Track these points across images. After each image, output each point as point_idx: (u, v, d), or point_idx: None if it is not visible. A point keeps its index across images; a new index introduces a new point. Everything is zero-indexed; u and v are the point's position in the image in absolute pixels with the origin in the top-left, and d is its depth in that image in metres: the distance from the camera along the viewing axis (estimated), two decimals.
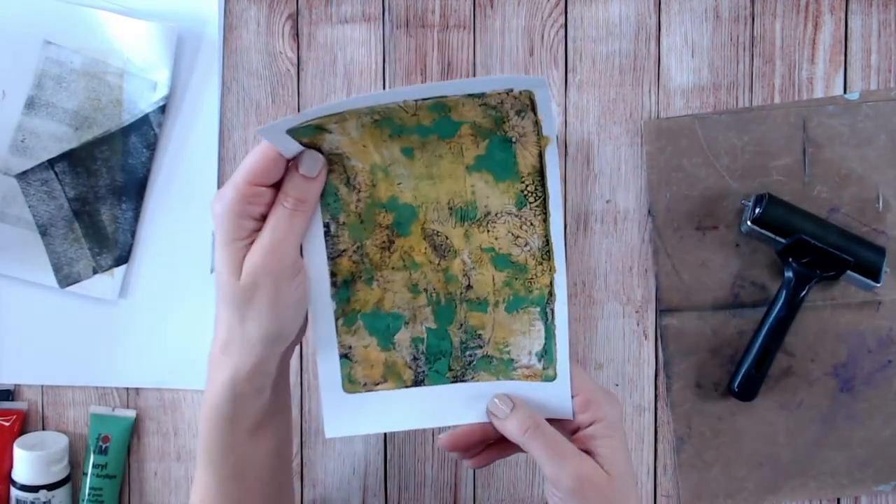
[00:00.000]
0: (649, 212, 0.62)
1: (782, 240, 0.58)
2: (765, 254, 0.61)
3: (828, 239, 0.58)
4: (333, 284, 0.47)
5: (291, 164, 0.45)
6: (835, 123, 0.61)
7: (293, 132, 0.43)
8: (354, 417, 0.48)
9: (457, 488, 0.64)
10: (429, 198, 0.47)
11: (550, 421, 0.48)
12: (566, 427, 0.48)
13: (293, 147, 0.44)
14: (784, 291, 0.59)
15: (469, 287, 0.48)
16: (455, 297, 0.48)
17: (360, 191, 0.46)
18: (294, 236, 0.44)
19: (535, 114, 0.44)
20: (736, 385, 0.60)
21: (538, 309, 0.48)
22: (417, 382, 0.49)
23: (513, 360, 0.49)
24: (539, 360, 0.48)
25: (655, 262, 0.62)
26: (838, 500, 0.63)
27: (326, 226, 0.46)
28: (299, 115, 0.43)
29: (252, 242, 0.44)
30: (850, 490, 0.62)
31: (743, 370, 0.59)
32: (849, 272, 0.58)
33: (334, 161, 0.45)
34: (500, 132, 0.45)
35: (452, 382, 0.49)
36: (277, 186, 0.45)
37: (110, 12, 0.61)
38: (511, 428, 0.47)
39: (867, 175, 0.61)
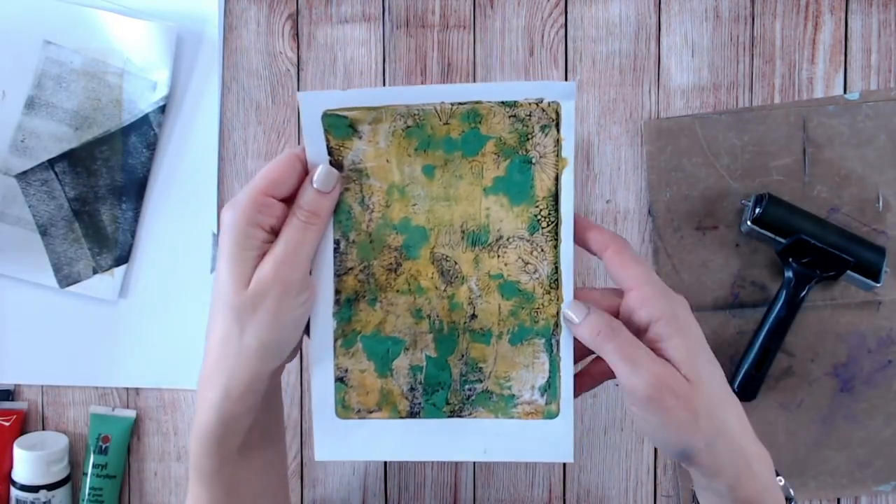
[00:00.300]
0: (649, 212, 0.62)
1: (782, 240, 0.58)
2: (765, 254, 0.61)
3: (828, 239, 0.58)
4: (336, 302, 0.47)
5: (307, 178, 0.45)
6: (835, 123, 0.61)
7: (328, 122, 0.45)
8: (345, 443, 0.48)
9: (457, 488, 0.64)
10: (442, 220, 0.47)
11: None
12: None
13: (319, 146, 0.45)
14: (784, 291, 0.59)
15: (473, 316, 0.47)
16: (458, 327, 0.47)
17: (373, 211, 0.47)
18: (306, 248, 0.44)
19: (557, 131, 0.45)
20: (736, 385, 0.60)
21: (543, 340, 0.47)
22: (413, 414, 0.48)
23: (514, 395, 0.47)
24: (542, 395, 0.47)
25: (655, 262, 0.62)
26: (838, 500, 0.63)
27: (336, 242, 0.47)
28: (344, 92, 0.45)
29: (261, 254, 0.44)
30: (850, 490, 0.62)
31: (743, 370, 0.59)
32: (849, 272, 0.58)
33: (352, 179, 0.46)
34: (521, 151, 0.46)
35: (449, 417, 0.48)
36: (289, 202, 0.45)
37: (110, 12, 0.61)
38: (584, 332, 0.44)
39: (867, 175, 0.61)
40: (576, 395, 0.48)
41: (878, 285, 0.59)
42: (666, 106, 0.62)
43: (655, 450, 0.63)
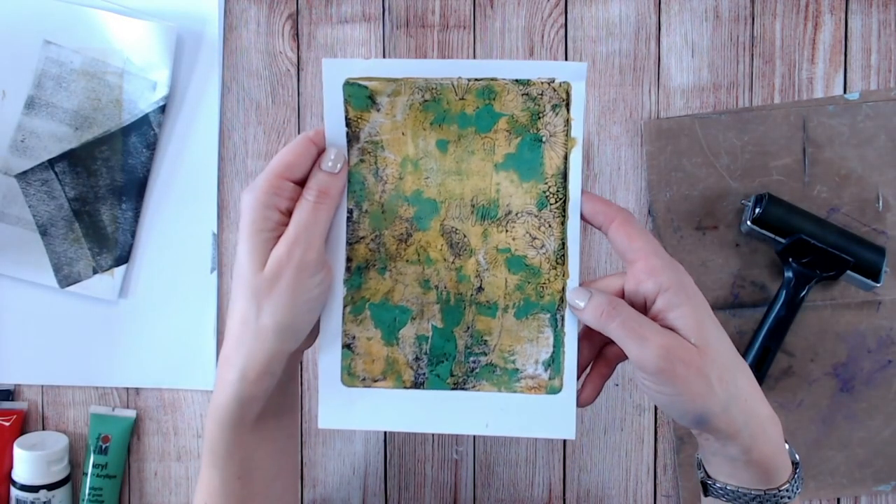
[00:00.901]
0: (649, 212, 0.62)
1: (782, 240, 0.58)
2: (765, 254, 0.61)
3: (828, 239, 0.58)
4: (347, 269, 0.48)
5: (315, 163, 0.47)
6: (835, 123, 0.61)
7: (349, 92, 0.46)
8: (349, 411, 0.48)
9: (457, 488, 0.64)
10: (453, 194, 0.48)
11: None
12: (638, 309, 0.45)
13: (338, 117, 0.47)
14: (784, 291, 0.59)
15: (480, 289, 0.48)
16: (465, 298, 0.48)
17: (386, 182, 0.48)
18: (318, 228, 0.45)
19: (567, 111, 0.47)
20: None
21: (548, 315, 0.48)
22: (417, 385, 0.48)
23: (517, 369, 0.48)
24: (546, 370, 0.48)
25: None
26: (838, 500, 0.63)
27: (350, 212, 0.48)
28: (367, 61, 0.46)
29: (278, 236, 0.45)
30: (850, 490, 0.62)
31: None
32: (849, 272, 0.58)
33: (367, 151, 0.47)
34: (532, 130, 0.47)
35: (452, 389, 0.48)
36: (304, 184, 0.46)
37: (110, 12, 0.61)
38: (589, 315, 0.45)
39: (867, 175, 0.61)
40: (596, 386, 0.49)
41: (878, 285, 0.59)
42: (666, 106, 0.62)
43: (655, 450, 0.63)
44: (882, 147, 0.61)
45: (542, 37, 0.62)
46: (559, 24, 0.62)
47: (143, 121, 0.62)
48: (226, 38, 0.63)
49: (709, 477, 0.48)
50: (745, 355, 0.60)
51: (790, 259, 0.58)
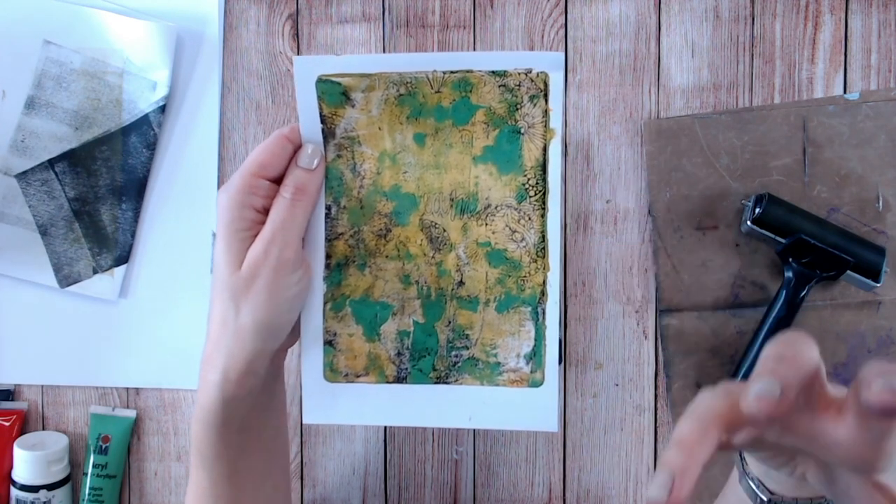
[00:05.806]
0: (649, 212, 0.62)
1: (782, 240, 0.58)
2: (765, 254, 0.61)
3: (828, 239, 0.58)
4: (327, 266, 0.48)
5: (292, 159, 0.46)
6: (835, 123, 0.61)
7: (322, 89, 0.46)
8: (332, 406, 0.49)
9: (457, 488, 0.64)
10: (432, 188, 0.47)
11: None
12: None
13: (312, 114, 0.46)
14: (784, 291, 0.59)
15: (461, 283, 0.48)
16: (446, 293, 0.48)
17: (364, 177, 0.48)
18: (295, 226, 0.45)
19: (545, 102, 0.46)
20: None
21: (529, 308, 0.48)
22: (399, 379, 0.49)
23: (499, 363, 0.48)
24: (527, 363, 0.48)
25: (655, 262, 0.62)
26: None
27: (328, 208, 0.48)
28: (339, 57, 0.46)
29: (254, 235, 0.45)
30: None
31: (743, 370, 0.59)
32: (849, 272, 0.58)
33: (344, 146, 0.47)
34: (510, 121, 0.47)
35: (435, 383, 0.48)
36: (279, 182, 0.46)
37: (110, 12, 0.61)
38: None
39: (867, 175, 0.61)
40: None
41: (878, 285, 0.59)
42: (666, 106, 0.62)
43: (655, 450, 0.63)
44: (882, 147, 0.61)
45: (542, 37, 0.62)
46: (559, 24, 0.62)
47: (143, 121, 0.62)
48: (226, 38, 0.63)
49: (771, 493, 0.40)
50: (745, 355, 0.60)
51: (790, 259, 0.58)
